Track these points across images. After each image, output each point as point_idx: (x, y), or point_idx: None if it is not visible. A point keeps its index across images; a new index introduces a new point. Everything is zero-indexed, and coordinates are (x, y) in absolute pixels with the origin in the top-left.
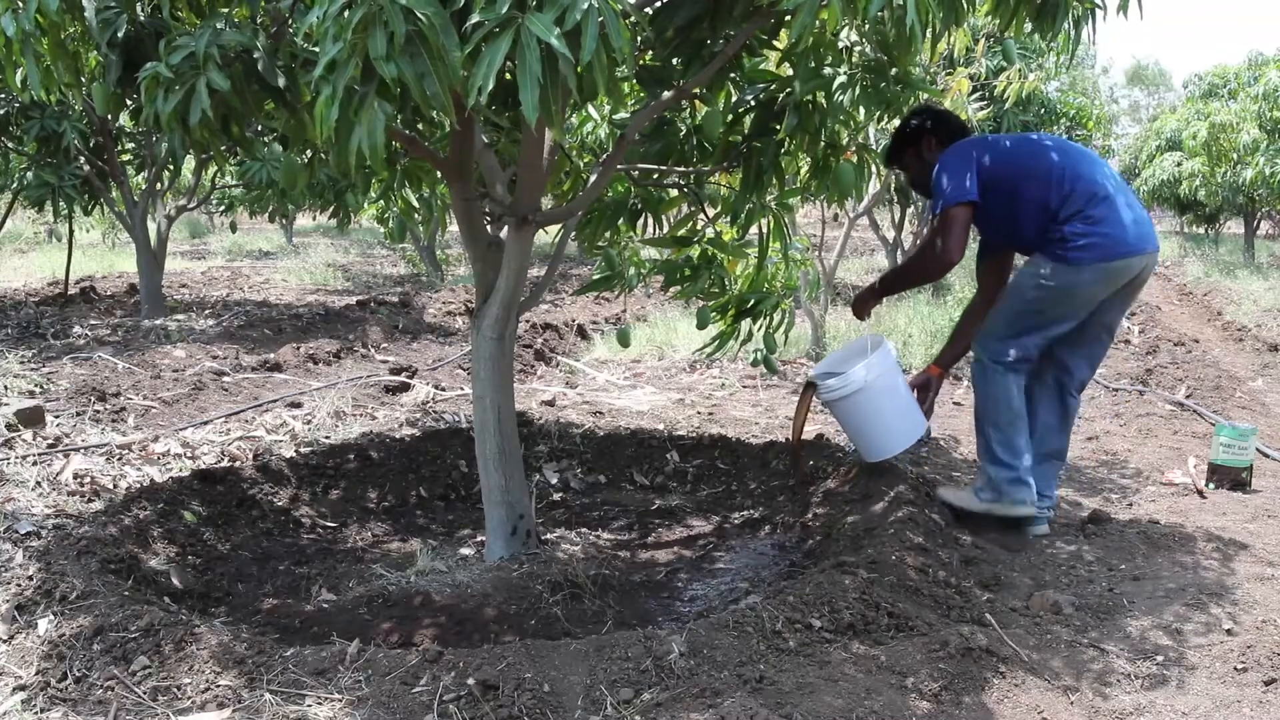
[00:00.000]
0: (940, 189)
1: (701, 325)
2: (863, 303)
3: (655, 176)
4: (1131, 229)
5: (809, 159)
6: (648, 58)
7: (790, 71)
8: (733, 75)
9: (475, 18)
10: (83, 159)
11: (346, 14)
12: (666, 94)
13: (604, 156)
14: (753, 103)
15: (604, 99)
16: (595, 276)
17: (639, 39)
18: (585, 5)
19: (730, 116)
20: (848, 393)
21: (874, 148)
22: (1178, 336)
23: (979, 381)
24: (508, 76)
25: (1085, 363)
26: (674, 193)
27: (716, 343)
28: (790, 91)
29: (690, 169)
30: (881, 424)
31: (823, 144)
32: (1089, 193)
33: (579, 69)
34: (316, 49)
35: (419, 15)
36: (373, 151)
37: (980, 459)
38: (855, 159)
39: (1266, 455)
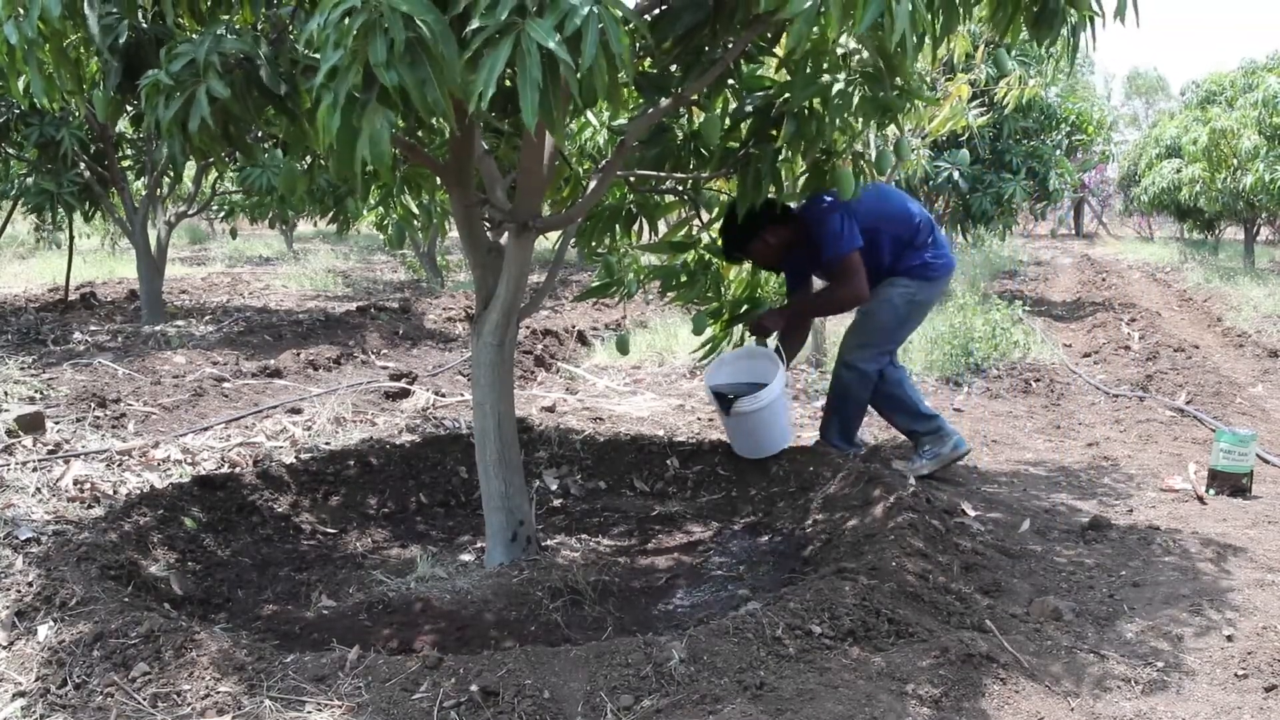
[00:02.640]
0: (833, 242)
1: (697, 330)
2: (769, 325)
3: (654, 182)
4: (951, 253)
5: (806, 165)
6: (646, 64)
7: (788, 78)
8: (731, 82)
9: (475, 24)
10: (82, 165)
11: (347, 21)
12: (665, 101)
13: (603, 163)
14: (750, 110)
15: (604, 105)
16: (595, 283)
17: (638, 45)
18: (585, 11)
19: (728, 123)
20: (763, 405)
21: (870, 155)
22: (1178, 342)
23: (856, 385)
24: (508, 83)
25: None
26: (670, 198)
27: (709, 346)
28: (788, 98)
29: (689, 175)
30: (777, 429)
31: (820, 151)
32: (929, 225)
33: (579, 75)
34: (317, 55)
35: (419, 22)
36: (378, 160)
37: (829, 436)
38: (849, 166)
39: (1267, 461)
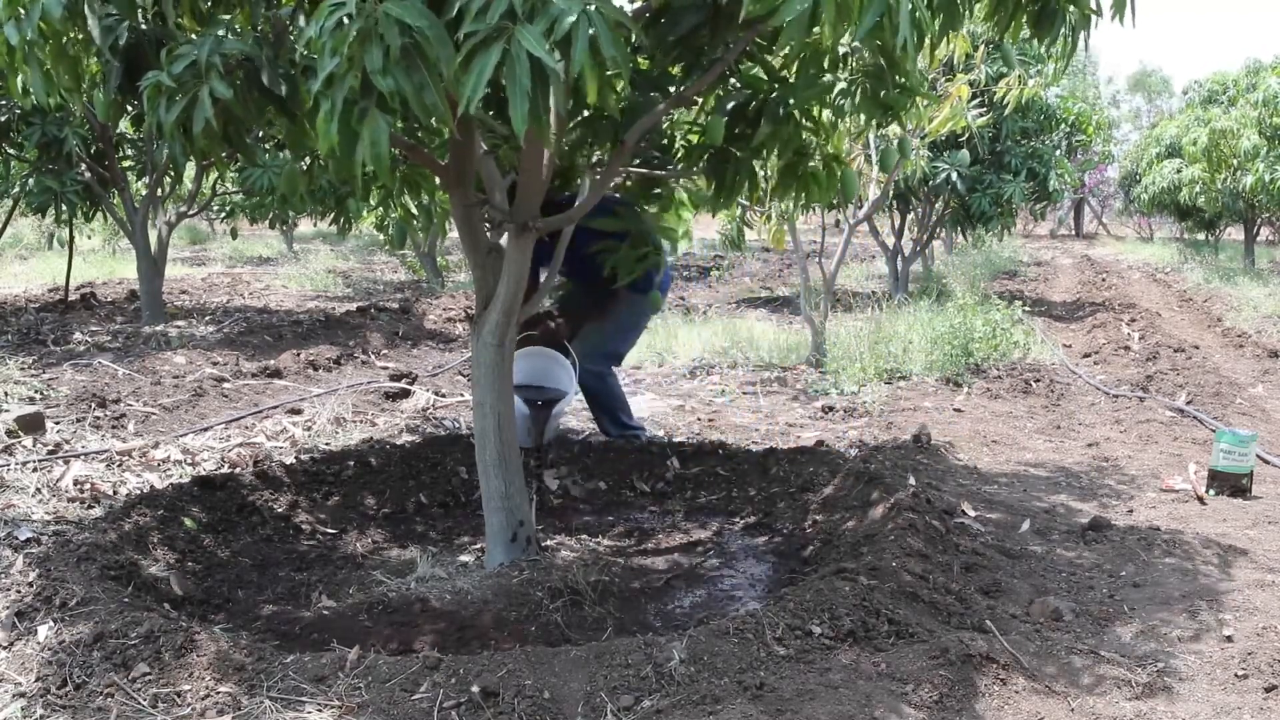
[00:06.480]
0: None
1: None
2: (552, 335)
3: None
4: (669, 273)
5: (780, 165)
6: (640, 60)
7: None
8: (731, 82)
9: (467, 28)
10: (84, 165)
11: (343, 28)
12: (662, 102)
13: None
14: (731, 108)
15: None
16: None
17: (632, 47)
18: (575, 15)
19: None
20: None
21: (873, 154)
22: (1178, 343)
23: (597, 382)
24: (503, 81)
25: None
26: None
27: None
28: (763, 98)
29: (667, 172)
30: (554, 426)
31: (793, 152)
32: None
33: (571, 80)
34: (316, 58)
35: (414, 27)
36: (377, 162)
37: (615, 431)
38: (823, 166)
39: (1267, 461)
